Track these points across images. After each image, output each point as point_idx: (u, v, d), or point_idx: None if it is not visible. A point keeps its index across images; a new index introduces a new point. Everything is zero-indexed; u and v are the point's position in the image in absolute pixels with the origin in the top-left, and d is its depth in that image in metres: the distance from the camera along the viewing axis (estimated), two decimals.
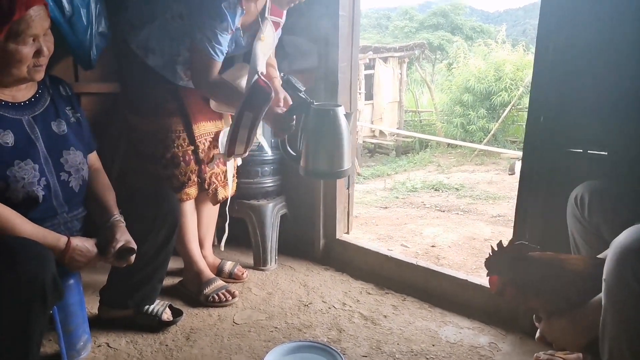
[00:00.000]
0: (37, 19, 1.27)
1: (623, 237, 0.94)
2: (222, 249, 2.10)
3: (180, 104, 1.82)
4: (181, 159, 1.84)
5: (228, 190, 2.03)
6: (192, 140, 1.85)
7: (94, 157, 1.60)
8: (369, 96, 11.67)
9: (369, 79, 11.61)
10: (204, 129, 1.88)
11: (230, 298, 1.91)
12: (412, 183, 7.96)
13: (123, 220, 1.49)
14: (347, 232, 2.42)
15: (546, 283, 1.22)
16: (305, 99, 1.66)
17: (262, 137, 2.08)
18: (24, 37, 1.25)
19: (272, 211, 2.25)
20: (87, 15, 1.86)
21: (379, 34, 29.05)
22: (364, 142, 11.24)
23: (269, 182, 2.26)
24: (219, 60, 1.66)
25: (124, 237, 1.43)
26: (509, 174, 8.21)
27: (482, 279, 1.97)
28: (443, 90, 12.38)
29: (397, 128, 12.06)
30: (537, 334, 1.33)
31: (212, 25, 1.60)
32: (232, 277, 2.11)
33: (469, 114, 10.28)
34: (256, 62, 1.71)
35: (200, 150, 1.87)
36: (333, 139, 1.60)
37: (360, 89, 11.31)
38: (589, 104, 1.51)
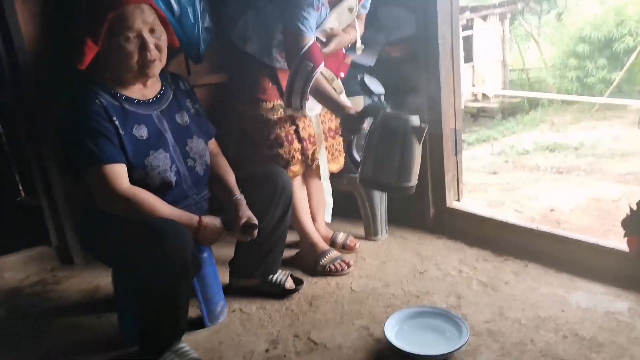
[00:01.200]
0: (136, 15, 1.38)
1: None
2: (329, 220, 2.17)
3: (278, 87, 1.91)
4: (284, 139, 1.93)
5: (334, 165, 2.10)
6: (293, 120, 1.94)
7: (213, 143, 1.75)
8: (469, 58, 11.04)
9: (467, 40, 10.97)
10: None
11: (346, 267, 1.97)
12: (522, 145, 7.44)
13: (243, 199, 1.61)
14: (458, 200, 2.35)
15: None
16: (378, 102, 1.60)
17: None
18: (126, 33, 1.38)
19: None
20: (194, 13, 2.00)
21: None
22: (465, 106, 10.71)
23: None
24: (309, 35, 1.69)
25: (246, 214, 1.56)
26: (639, 128, 7.30)
27: (615, 241, 1.81)
28: (553, 43, 11.28)
29: (502, 88, 11.29)
30: None
31: (297, 3, 1.66)
32: (344, 248, 2.18)
33: (586, 65, 9.25)
34: (325, 23, 1.76)
35: (301, 129, 1.95)
36: (402, 150, 1.50)
37: (459, 45, 10.74)
38: None
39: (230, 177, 1.69)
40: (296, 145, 1.96)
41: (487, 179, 5.00)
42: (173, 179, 1.49)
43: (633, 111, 8.08)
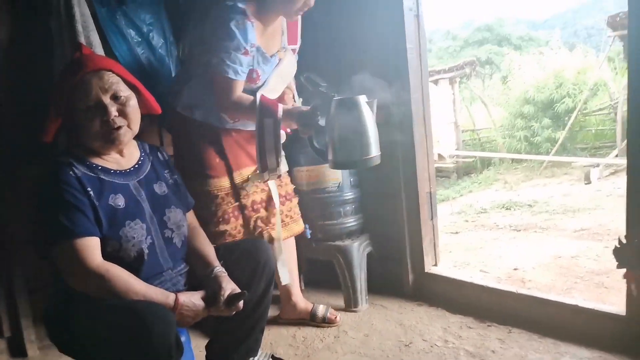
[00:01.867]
0: (93, 82, 1.35)
1: None
2: (287, 281, 2.10)
3: (226, 160, 1.90)
4: (230, 215, 1.91)
5: (295, 227, 2.08)
6: (237, 195, 1.92)
7: (191, 215, 1.68)
8: None
9: None
10: (248, 173, 1.94)
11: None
12: (480, 204, 7.65)
13: (224, 271, 1.53)
14: (436, 264, 2.36)
15: None
16: (327, 93, 1.70)
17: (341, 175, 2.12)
18: (83, 101, 1.35)
19: (358, 250, 2.24)
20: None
21: None
22: None
23: (351, 222, 2.27)
24: (237, 78, 1.74)
25: (230, 286, 1.47)
26: (585, 183, 7.71)
27: (594, 303, 1.84)
28: (500, 104, 12.04)
29: (456, 149, 11.79)
30: None
31: (224, 46, 1.71)
32: (325, 322, 2.11)
33: (532, 125, 9.87)
34: (267, 84, 1.85)
35: (242, 197, 1.93)
36: (356, 127, 1.61)
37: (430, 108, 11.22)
38: None
39: (210, 250, 1.61)
40: (240, 221, 1.94)
41: (450, 239, 5.05)
42: (145, 251, 1.41)
43: (578, 168, 8.57)
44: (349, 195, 2.23)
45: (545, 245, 4.09)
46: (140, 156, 1.55)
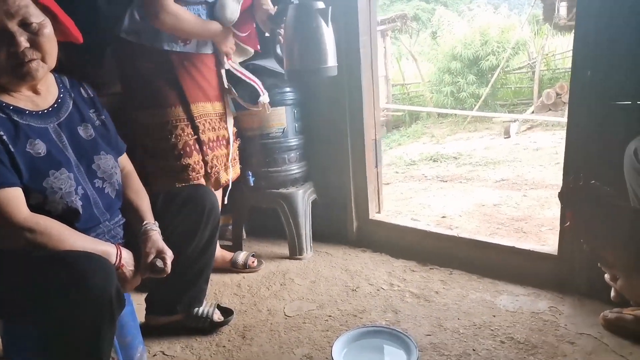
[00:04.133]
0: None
1: None
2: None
3: (179, 89, 1.76)
4: (193, 148, 1.81)
5: (230, 173, 1.98)
6: (196, 128, 1.81)
7: (124, 159, 1.51)
8: None
9: None
10: (202, 109, 1.84)
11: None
12: (409, 156, 7.92)
13: (155, 227, 1.39)
14: (379, 212, 2.37)
15: (628, 235, 1.19)
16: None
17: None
18: None
19: (303, 198, 2.18)
20: None
21: None
22: None
23: (295, 169, 2.20)
24: None
25: (154, 248, 1.32)
26: (505, 138, 8.20)
27: (530, 243, 1.94)
28: (429, 60, 12.28)
29: (386, 102, 11.97)
30: (613, 293, 1.30)
31: None
32: (247, 268, 2.10)
33: (458, 81, 10.21)
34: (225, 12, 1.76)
35: (200, 132, 1.82)
36: (312, 34, 1.55)
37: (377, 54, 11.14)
38: (634, 54, 1.46)
39: (142, 201, 1.45)
40: (200, 156, 1.84)
41: (382, 190, 5.20)
42: (79, 204, 1.24)
43: (498, 123, 9.07)
44: (293, 141, 2.15)
45: (469, 194, 4.32)
46: (60, 93, 1.33)
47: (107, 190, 1.34)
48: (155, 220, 1.42)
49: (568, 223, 1.31)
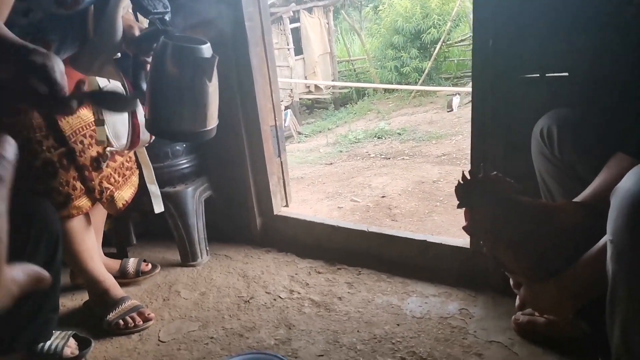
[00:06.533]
0: None
1: (632, 183, 0.69)
2: (162, 209, 1.77)
3: (35, 93, 1.32)
4: (57, 164, 1.37)
5: (128, 192, 1.61)
6: (63, 141, 1.38)
7: None
8: (299, 51, 11.17)
9: (296, 32, 11.07)
10: (77, 123, 1.41)
11: (142, 322, 1.53)
12: (354, 134, 7.79)
13: None
14: (287, 205, 2.12)
15: (530, 237, 0.99)
16: (158, 26, 1.18)
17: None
18: None
19: (193, 196, 1.89)
20: None
21: None
22: (300, 99, 10.84)
23: (184, 163, 1.90)
24: None
25: None
26: (448, 111, 8.17)
27: (441, 237, 1.75)
28: (373, 35, 12.09)
29: (332, 80, 11.72)
30: (517, 302, 1.11)
31: None
32: (141, 275, 1.81)
33: (401, 56, 10.08)
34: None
35: (77, 152, 1.40)
36: (190, 89, 1.13)
37: (288, 44, 10.79)
38: (542, 21, 1.25)
39: None
40: (73, 172, 1.41)
41: (324, 171, 5.04)
42: None
43: (442, 97, 9.02)
44: None
45: (410, 172, 4.22)
46: None
47: None
48: None
49: (465, 223, 1.10)
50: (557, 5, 1.22)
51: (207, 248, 1.96)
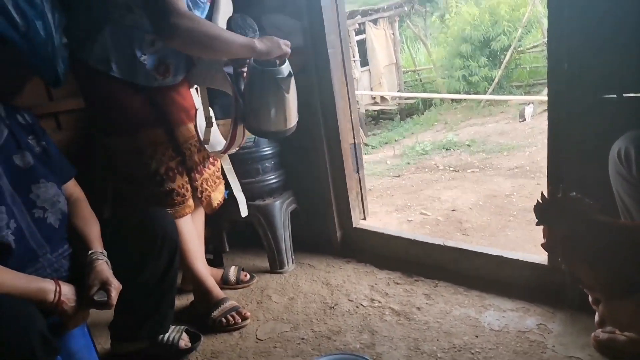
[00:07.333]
0: None
1: None
2: (246, 213, 1.99)
3: (159, 111, 1.62)
4: (175, 170, 1.67)
5: (220, 194, 1.87)
6: (178, 150, 1.67)
7: (71, 185, 1.44)
8: (364, 62, 11.31)
9: (362, 44, 11.23)
10: (188, 132, 1.70)
11: (240, 321, 1.73)
12: (421, 146, 7.74)
13: (102, 257, 1.30)
14: (364, 218, 2.26)
15: (608, 254, 1.06)
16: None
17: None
18: None
19: (281, 209, 2.08)
20: (45, 27, 1.66)
21: None
22: (366, 110, 10.95)
23: (272, 179, 2.09)
24: None
25: (98, 279, 1.24)
26: (520, 121, 7.92)
27: (518, 252, 1.80)
28: (439, 44, 11.98)
29: (398, 90, 11.74)
30: (596, 318, 1.17)
31: None
32: (240, 283, 1.99)
33: (470, 64, 9.91)
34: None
35: (187, 158, 1.70)
36: (273, 100, 1.55)
37: (354, 57, 10.96)
38: (618, 42, 1.30)
39: (91, 229, 1.36)
40: (185, 176, 1.71)
41: (393, 183, 5.08)
42: (10, 238, 1.17)
43: (513, 106, 8.76)
44: (267, 150, 2.04)
45: (481, 184, 4.17)
46: None
47: (49, 220, 1.27)
48: (105, 248, 1.34)
49: (544, 241, 1.18)
50: (632, 25, 1.27)
51: (293, 257, 2.13)
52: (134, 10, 1.45)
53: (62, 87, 1.82)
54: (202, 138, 1.72)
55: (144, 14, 1.43)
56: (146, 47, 1.51)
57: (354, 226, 2.16)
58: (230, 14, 1.64)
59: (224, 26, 1.55)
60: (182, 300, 1.94)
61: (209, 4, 1.58)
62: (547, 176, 1.55)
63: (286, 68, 1.54)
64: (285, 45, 1.54)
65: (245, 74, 1.60)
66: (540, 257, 1.67)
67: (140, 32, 1.48)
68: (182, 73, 1.67)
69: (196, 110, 1.73)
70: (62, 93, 2.02)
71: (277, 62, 1.54)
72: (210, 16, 1.58)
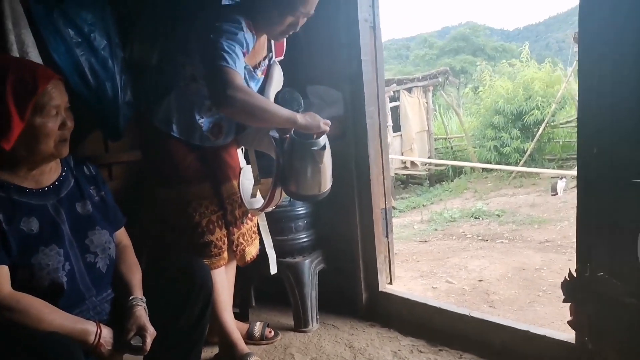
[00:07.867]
0: (57, 91, 1.28)
1: None
2: (275, 270, 2.06)
3: (208, 168, 1.79)
4: (216, 224, 1.80)
5: (254, 249, 1.97)
6: (222, 204, 1.81)
7: (122, 233, 1.56)
8: (397, 127, 11.58)
9: (395, 110, 11.56)
10: (232, 189, 1.85)
11: None
12: (449, 213, 7.69)
13: (141, 303, 1.39)
14: (391, 283, 2.28)
15: (636, 339, 1.07)
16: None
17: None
18: (48, 109, 1.25)
19: (310, 268, 2.14)
20: (113, 88, 1.88)
21: (400, 64, 29.28)
22: (395, 174, 11.07)
23: (303, 237, 2.18)
24: (235, 68, 1.48)
25: (135, 325, 1.31)
26: (552, 195, 7.82)
27: (545, 329, 1.79)
28: (472, 114, 12.20)
29: (428, 157, 11.87)
30: None
31: (225, 35, 1.49)
32: (264, 339, 2.03)
33: (502, 136, 10.01)
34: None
35: (228, 212, 1.83)
36: (309, 168, 1.68)
37: (387, 122, 11.27)
38: None
39: (133, 274, 1.46)
40: (224, 230, 1.83)
41: (419, 248, 5.05)
42: (64, 280, 1.28)
43: (545, 179, 8.71)
44: (301, 210, 2.14)
45: (510, 256, 4.10)
46: (62, 172, 1.41)
47: (98, 265, 1.38)
48: (144, 294, 1.43)
49: (571, 318, 1.20)
50: None
51: (318, 316, 2.16)
52: (197, 80, 1.66)
53: (118, 142, 2.02)
54: (242, 195, 1.85)
55: (205, 83, 1.61)
56: (204, 111, 1.71)
57: (380, 290, 2.19)
58: (281, 86, 1.82)
59: (273, 97, 1.71)
60: (207, 353, 1.97)
61: (263, 76, 1.77)
62: (576, 254, 1.57)
63: (322, 140, 1.67)
64: (325, 125, 1.68)
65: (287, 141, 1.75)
66: (568, 335, 1.65)
67: (200, 98, 1.67)
68: (232, 135, 1.85)
69: (241, 168, 1.88)
70: (117, 146, 2.21)
71: (315, 135, 1.68)
72: (264, 87, 1.77)
